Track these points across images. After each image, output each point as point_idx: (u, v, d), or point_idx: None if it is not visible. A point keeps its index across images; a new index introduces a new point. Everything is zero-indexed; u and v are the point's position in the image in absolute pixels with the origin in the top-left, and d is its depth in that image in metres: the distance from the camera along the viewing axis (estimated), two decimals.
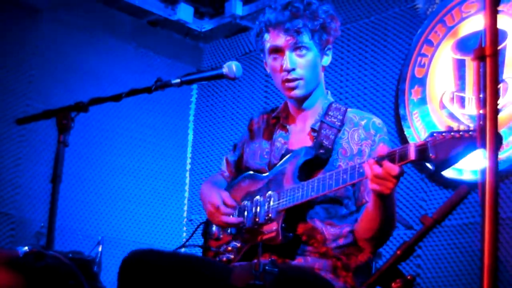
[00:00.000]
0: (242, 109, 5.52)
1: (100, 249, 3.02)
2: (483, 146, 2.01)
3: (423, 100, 4.34)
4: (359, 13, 4.83)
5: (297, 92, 2.62)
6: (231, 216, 2.66)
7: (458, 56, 4.25)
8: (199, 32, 5.82)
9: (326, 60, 2.68)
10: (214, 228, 2.80)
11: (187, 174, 5.76)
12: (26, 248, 2.25)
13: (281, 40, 2.59)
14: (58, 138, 2.50)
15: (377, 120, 2.63)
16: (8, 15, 4.82)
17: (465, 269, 4.00)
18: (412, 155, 2.15)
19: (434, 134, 2.13)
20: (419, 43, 4.43)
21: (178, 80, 2.63)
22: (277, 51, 2.61)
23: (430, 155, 2.11)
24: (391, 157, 2.20)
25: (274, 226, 2.53)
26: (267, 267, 2.16)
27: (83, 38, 5.18)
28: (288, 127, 2.73)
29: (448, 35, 4.32)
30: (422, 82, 4.38)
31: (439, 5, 4.40)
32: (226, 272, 2.45)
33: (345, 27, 4.82)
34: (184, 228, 5.65)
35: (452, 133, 2.10)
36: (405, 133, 4.36)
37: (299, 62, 2.59)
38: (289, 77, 2.59)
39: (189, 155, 5.80)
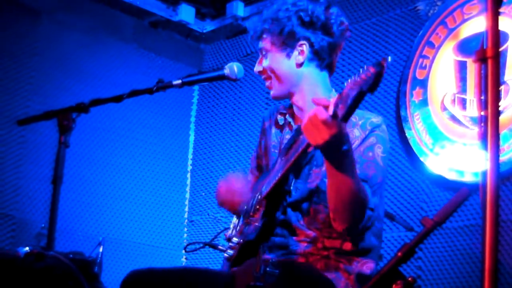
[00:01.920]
0: (244, 110, 5.51)
1: (101, 250, 3.01)
2: (369, 87, 1.88)
3: (424, 102, 4.34)
4: (360, 15, 4.83)
5: (272, 92, 2.74)
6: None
7: (460, 58, 4.25)
8: (200, 33, 5.82)
9: (299, 57, 2.64)
10: (229, 231, 2.83)
11: (188, 175, 5.75)
12: (27, 248, 2.24)
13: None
14: (59, 139, 2.51)
15: (375, 119, 2.56)
16: (8, 16, 4.81)
17: (466, 271, 3.99)
18: (330, 109, 2.07)
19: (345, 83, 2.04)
20: (420, 45, 4.42)
21: (179, 81, 2.64)
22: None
23: (339, 105, 2.03)
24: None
25: (258, 214, 2.55)
26: (268, 269, 2.16)
27: (83, 39, 5.18)
28: (293, 125, 2.75)
29: (449, 37, 4.31)
30: (423, 83, 4.37)
31: (440, 7, 4.39)
32: (228, 281, 2.44)
33: None
34: (185, 229, 5.64)
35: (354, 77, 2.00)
36: (406, 134, 4.35)
37: (264, 64, 2.69)
38: (263, 79, 2.73)
39: (190, 156, 5.79)
